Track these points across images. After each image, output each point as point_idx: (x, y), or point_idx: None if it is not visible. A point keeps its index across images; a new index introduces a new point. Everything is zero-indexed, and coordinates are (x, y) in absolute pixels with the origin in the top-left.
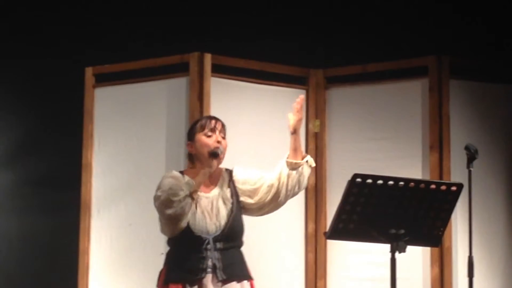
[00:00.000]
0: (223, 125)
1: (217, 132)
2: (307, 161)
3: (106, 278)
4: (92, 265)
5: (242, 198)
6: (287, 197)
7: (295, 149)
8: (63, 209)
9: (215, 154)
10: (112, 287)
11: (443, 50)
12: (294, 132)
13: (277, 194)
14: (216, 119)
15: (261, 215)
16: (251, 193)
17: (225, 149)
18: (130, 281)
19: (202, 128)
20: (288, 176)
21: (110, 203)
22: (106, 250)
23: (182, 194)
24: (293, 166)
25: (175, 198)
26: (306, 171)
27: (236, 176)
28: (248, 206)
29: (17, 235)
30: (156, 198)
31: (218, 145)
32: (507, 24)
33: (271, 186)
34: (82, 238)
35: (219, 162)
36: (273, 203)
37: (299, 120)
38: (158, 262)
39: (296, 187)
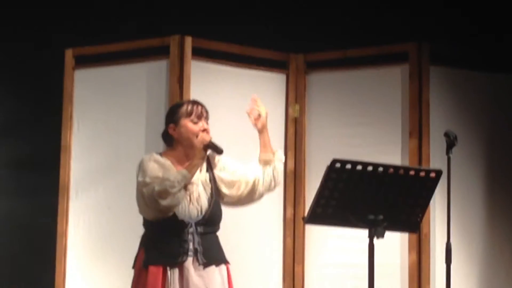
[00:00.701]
0: (207, 112)
1: (203, 119)
2: (278, 157)
3: (84, 261)
4: (70, 247)
5: (218, 184)
6: (263, 193)
7: (264, 145)
8: (41, 191)
9: (220, 151)
10: (90, 270)
11: (424, 36)
12: (261, 129)
13: (253, 190)
14: (202, 105)
15: (235, 207)
16: (228, 184)
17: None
18: (108, 264)
19: (189, 114)
20: (263, 173)
21: (89, 186)
22: (84, 233)
23: (178, 186)
24: (266, 163)
25: (173, 190)
26: (279, 166)
27: (214, 161)
28: (224, 195)
29: None
30: (144, 184)
31: (209, 137)
32: (488, 12)
33: (247, 182)
34: (60, 221)
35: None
36: (249, 198)
37: (259, 118)
38: (136, 245)
39: (272, 183)
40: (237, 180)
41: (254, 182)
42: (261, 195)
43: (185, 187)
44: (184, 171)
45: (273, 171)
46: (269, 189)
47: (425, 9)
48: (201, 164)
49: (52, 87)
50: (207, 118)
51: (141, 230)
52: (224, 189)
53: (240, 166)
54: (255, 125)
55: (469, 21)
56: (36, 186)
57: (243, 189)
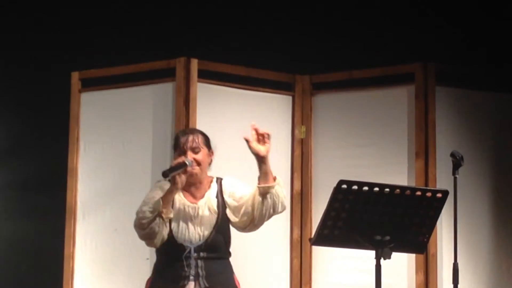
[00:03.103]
0: (194, 138)
1: (188, 149)
2: (277, 182)
3: (91, 283)
4: (77, 270)
5: (227, 211)
6: (263, 220)
7: (266, 174)
8: (48, 213)
9: (164, 174)
10: None
11: (430, 57)
12: (265, 156)
13: (253, 219)
14: (186, 135)
15: (244, 232)
16: (234, 209)
17: (201, 160)
18: (115, 286)
19: (174, 149)
20: (262, 201)
21: (95, 208)
22: (91, 255)
23: (150, 216)
24: (266, 191)
25: (144, 221)
26: (281, 191)
27: (225, 187)
28: (232, 220)
29: (1, 239)
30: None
31: (175, 162)
32: (493, 33)
33: (248, 210)
34: (67, 243)
35: (194, 174)
36: (251, 225)
37: (264, 144)
38: (143, 268)
39: (271, 210)
40: (242, 205)
41: (253, 212)
42: (261, 221)
43: (161, 216)
44: (157, 199)
45: (273, 197)
46: (269, 214)
47: (431, 30)
48: (176, 190)
49: (58, 109)
50: (194, 145)
51: (147, 252)
52: (232, 216)
53: (246, 191)
54: (257, 152)
55: (474, 41)
56: (43, 208)
57: (247, 216)
